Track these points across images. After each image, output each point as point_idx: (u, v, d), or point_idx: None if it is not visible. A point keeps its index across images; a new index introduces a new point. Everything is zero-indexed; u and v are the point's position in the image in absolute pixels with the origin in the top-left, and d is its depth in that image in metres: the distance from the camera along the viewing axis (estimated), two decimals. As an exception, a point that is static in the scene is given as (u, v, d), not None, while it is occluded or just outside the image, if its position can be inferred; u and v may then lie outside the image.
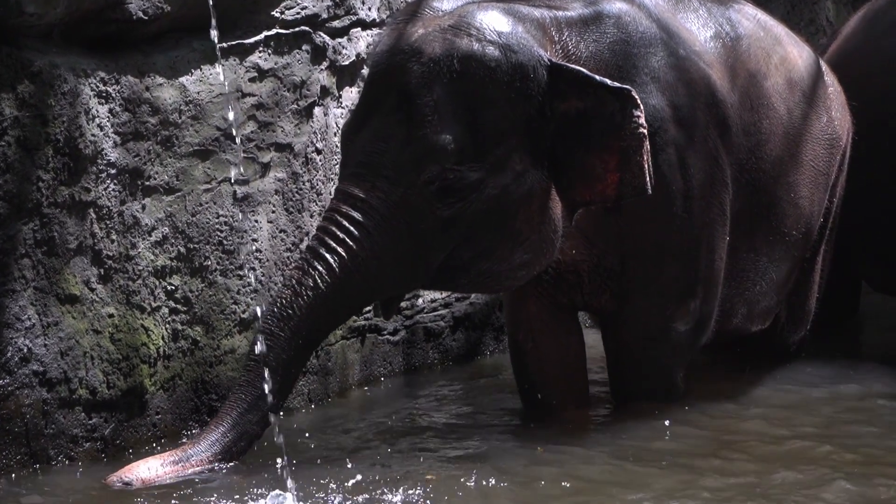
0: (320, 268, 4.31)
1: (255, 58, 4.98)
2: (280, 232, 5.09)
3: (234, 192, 4.88)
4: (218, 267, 4.87)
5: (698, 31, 5.00)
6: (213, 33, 4.57)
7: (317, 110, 5.20)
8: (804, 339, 5.72)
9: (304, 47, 5.14)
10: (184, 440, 4.63)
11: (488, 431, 4.84)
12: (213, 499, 4.04)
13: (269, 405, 4.25)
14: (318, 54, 5.20)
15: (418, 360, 5.72)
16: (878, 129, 5.77)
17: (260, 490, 4.09)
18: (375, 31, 5.40)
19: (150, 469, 4.18)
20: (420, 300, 5.71)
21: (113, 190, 4.56)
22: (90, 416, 4.48)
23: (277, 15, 5.05)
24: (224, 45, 4.78)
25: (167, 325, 4.73)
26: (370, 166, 4.38)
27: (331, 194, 4.97)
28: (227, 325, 4.90)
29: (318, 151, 5.21)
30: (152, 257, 4.69)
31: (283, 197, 5.09)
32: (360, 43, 5.38)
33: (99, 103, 4.51)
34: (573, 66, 4.51)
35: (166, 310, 4.73)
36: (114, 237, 4.57)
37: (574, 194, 4.54)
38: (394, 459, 4.47)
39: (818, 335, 5.80)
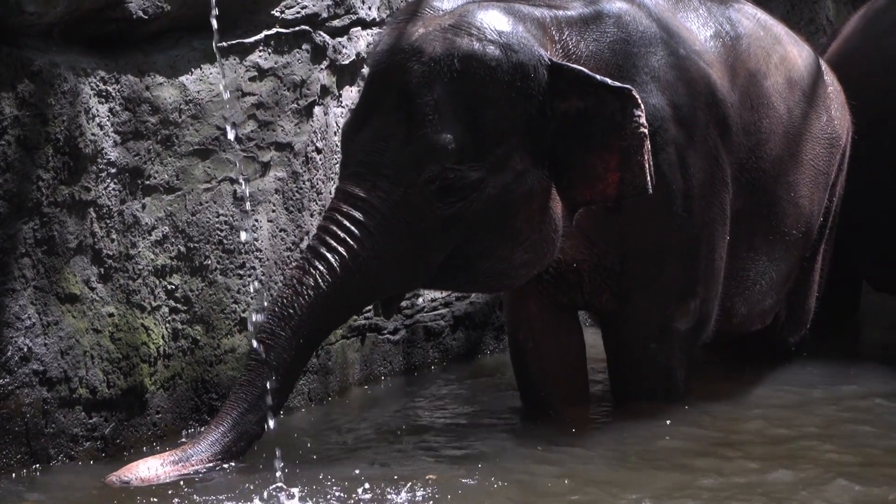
0: (321, 267, 4.31)
1: (255, 57, 4.98)
2: (280, 231, 5.09)
3: (234, 191, 4.88)
4: (218, 266, 4.87)
5: (698, 30, 5.00)
6: (213, 22, 4.55)
7: (317, 109, 5.20)
8: (804, 338, 5.72)
9: (304, 46, 5.14)
10: (184, 440, 4.63)
11: (489, 431, 4.84)
12: (212, 498, 4.04)
13: (270, 405, 4.25)
14: (318, 53, 5.20)
15: (418, 360, 5.72)
16: (879, 128, 5.77)
17: (259, 489, 4.09)
18: (375, 30, 5.39)
19: (150, 469, 4.17)
20: (420, 299, 5.71)
21: (113, 189, 4.56)
22: (90, 416, 4.48)
23: (277, 14, 5.05)
24: (224, 44, 4.78)
25: (167, 325, 4.73)
26: (371, 166, 4.38)
27: (331, 194, 4.97)
28: (227, 324, 4.90)
29: (319, 151, 5.21)
30: (152, 256, 4.69)
31: (284, 196, 5.09)
32: (361, 42, 5.37)
33: (99, 102, 4.51)
34: (574, 65, 4.51)
35: (166, 309, 4.73)
36: (114, 236, 4.57)
37: (575, 194, 4.54)
38: (394, 459, 4.47)
39: (818, 335, 5.80)
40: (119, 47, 4.62)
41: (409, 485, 4.12)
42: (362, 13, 5.39)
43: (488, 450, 4.55)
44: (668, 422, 4.78)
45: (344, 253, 4.32)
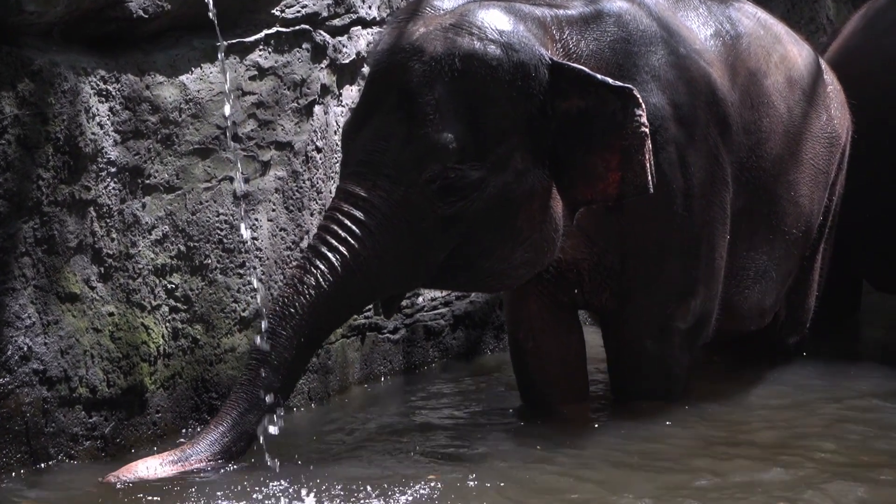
0: (322, 266, 4.31)
1: (256, 56, 4.98)
2: (280, 230, 5.09)
3: (234, 190, 4.88)
4: (218, 265, 4.87)
5: (698, 29, 5.00)
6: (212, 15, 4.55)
7: (317, 109, 5.20)
8: (804, 337, 5.72)
9: (304, 46, 5.14)
10: (183, 439, 4.63)
11: (489, 430, 4.84)
12: (212, 497, 4.04)
13: (271, 405, 4.25)
14: (319, 53, 5.20)
15: (418, 359, 5.72)
16: (879, 127, 5.78)
17: (258, 488, 4.08)
18: (376, 29, 5.39)
19: (149, 468, 4.17)
20: (420, 299, 5.71)
21: (113, 188, 4.56)
22: (90, 415, 4.48)
23: (278, 13, 5.04)
24: (224, 43, 4.77)
25: (167, 324, 4.73)
26: (371, 165, 4.37)
27: (331, 193, 4.97)
28: (227, 323, 4.90)
29: (319, 150, 5.21)
30: (152, 256, 4.68)
31: (284, 195, 5.09)
32: (361, 41, 5.37)
33: (99, 102, 4.51)
34: (574, 64, 4.51)
35: (166, 308, 4.73)
36: (114, 235, 4.57)
37: (575, 193, 4.54)
38: (395, 458, 4.47)
39: (818, 334, 5.80)
40: (119, 46, 4.62)
41: (409, 484, 4.12)
42: (362, 12, 5.39)
43: (488, 450, 4.55)
44: (668, 421, 4.78)
45: (345, 252, 4.32)
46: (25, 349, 4.29)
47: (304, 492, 4.07)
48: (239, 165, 4.86)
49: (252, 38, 4.97)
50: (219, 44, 4.62)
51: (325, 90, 5.23)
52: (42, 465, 4.35)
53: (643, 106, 4.46)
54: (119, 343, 4.57)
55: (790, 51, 5.32)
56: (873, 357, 5.92)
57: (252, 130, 4.97)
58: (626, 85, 4.47)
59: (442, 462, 4.43)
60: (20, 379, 4.28)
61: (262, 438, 4.21)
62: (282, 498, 4.04)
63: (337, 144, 5.14)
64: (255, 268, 4.94)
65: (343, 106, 5.31)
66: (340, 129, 4.82)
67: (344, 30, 5.33)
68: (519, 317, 4.99)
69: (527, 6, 4.61)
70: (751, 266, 5.17)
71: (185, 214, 4.77)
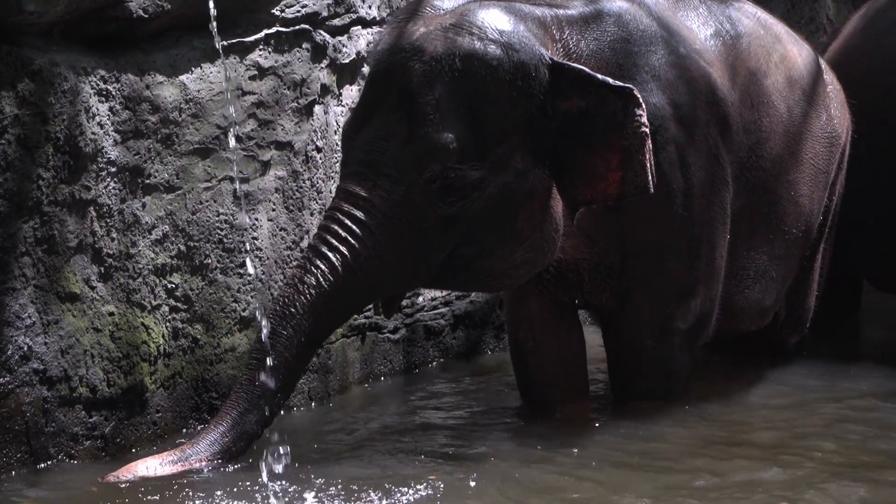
0: (322, 266, 4.31)
1: (256, 56, 4.98)
2: (280, 230, 5.09)
3: (234, 190, 4.88)
4: (218, 265, 4.87)
5: (698, 29, 5.00)
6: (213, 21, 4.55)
7: (317, 108, 5.20)
8: (804, 337, 5.72)
9: (304, 45, 5.14)
10: (183, 439, 4.63)
11: (489, 430, 4.84)
12: (211, 497, 4.03)
13: (271, 404, 4.25)
14: (319, 52, 5.20)
15: (419, 359, 5.72)
16: (879, 127, 5.78)
17: (258, 488, 4.08)
18: (375, 29, 5.39)
19: (149, 468, 4.17)
20: (420, 298, 5.71)
21: (113, 188, 4.56)
22: (90, 415, 4.48)
23: (278, 13, 5.04)
24: (224, 42, 4.77)
25: (167, 324, 4.73)
26: (372, 165, 4.37)
27: (331, 192, 4.97)
28: (227, 323, 4.90)
29: (319, 150, 5.21)
30: (152, 255, 4.68)
31: (284, 195, 5.09)
32: (361, 41, 5.37)
33: (99, 101, 4.51)
34: (575, 64, 4.51)
35: (166, 308, 4.73)
36: (114, 235, 4.57)
37: (576, 193, 4.54)
38: (395, 458, 4.47)
39: (818, 334, 5.80)
40: (119, 46, 4.62)
41: (410, 484, 4.12)
42: (362, 12, 5.38)
43: (488, 449, 4.55)
44: (668, 421, 4.78)
45: (345, 252, 4.32)
46: (25, 349, 4.29)
47: (304, 492, 4.07)
48: (236, 167, 4.86)
49: (252, 38, 4.97)
50: (222, 43, 4.62)
51: (325, 90, 5.23)
52: (42, 464, 4.35)
53: (643, 106, 4.46)
54: (119, 343, 4.57)
55: (790, 50, 5.32)
56: (873, 357, 5.91)
57: (252, 130, 4.97)
58: (627, 85, 4.47)
59: (442, 462, 4.43)
60: (20, 378, 4.28)
61: (264, 474, 4.17)
62: (282, 498, 4.04)
63: (337, 144, 5.13)
64: (254, 267, 4.94)
65: (343, 106, 5.31)
66: (340, 129, 4.82)
67: (344, 29, 5.33)
68: (519, 316, 4.99)
69: (527, 6, 4.60)
70: (751, 266, 5.17)
71: (186, 214, 4.77)
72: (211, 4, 4.49)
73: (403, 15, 4.59)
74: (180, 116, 4.74)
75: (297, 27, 5.11)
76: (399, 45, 4.44)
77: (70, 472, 4.35)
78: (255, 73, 4.97)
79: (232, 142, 4.78)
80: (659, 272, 4.84)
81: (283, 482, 4.11)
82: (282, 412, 4.43)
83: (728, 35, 5.06)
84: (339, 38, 5.30)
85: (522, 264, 4.54)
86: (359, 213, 4.34)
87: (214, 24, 4.49)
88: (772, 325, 5.51)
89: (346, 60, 5.32)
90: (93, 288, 4.50)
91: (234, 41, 4.89)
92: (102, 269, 4.53)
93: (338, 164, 5.00)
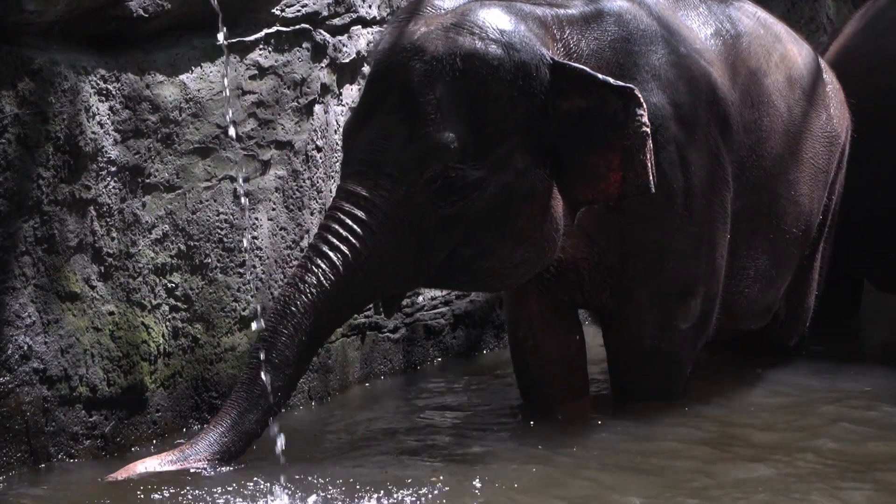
0: (323, 265, 4.30)
1: (256, 55, 4.98)
2: (280, 230, 5.08)
3: (235, 189, 4.88)
4: (218, 264, 4.87)
5: (699, 28, 5.00)
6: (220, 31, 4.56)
7: (317, 108, 5.20)
8: (803, 336, 5.72)
9: (304, 45, 5.14)
10: (183, 438, 4.63)
11: (488, 429, 4.84)
12: (211, 497, 4.03)
13: (271, 404, 4.25)
14: (319, 52, 5.20)
15: (418, 358, 5.72)
16: (879, 127, 5.78)
17: (258, 488, 4.08)
18: (376, 28, 5.39)
19: (149, 469, 4.17)
20: (420, 298, 5.71)
21: (113, 187, 4.56)
22: (90, 414, 4.48)
23: (278, 13, 5.04)
24: (225, 42, 4.77)
25: (167, 323, 4.73)
26: (373, 164, 4.37)
27: (331, 192, 4.97)
28: (227, 322, 4.90)
29: (319, 149, 5.21)
30: (153, 255, 4.68)
31: (284, 195, 5.09)
32: (361, 41, 5.37)
33: (99, 101, 4.51)
34: (576, 64, 4.51)
35: (167, 307, 4.73)
36: (114, 235, 4.57)
37: (576, 193, 4.54)
38: (395, 458, 4.47)
39: (818, 334, 5.80)
40: (119, 46, 4.62)
41: (410, 483, 4.12)
42: (362, 11, 5.38)
43: (488, 449, 4.55)
44: (667, 421, 4.78)
45: (346, 251, 4.31)
46: (26, 348, 4.29)
47: (304, 492, 4.07)
48: (238, 166, 4.86)
49: (252, 38, 4.97)
50: (225, 42, 4.62)
51: (325, 89, 5.23)
52: (42, 464, 4.35)
53: (644, 106, 4.46)
54: (119, 342, 4.57)
55: (790, 50, 5.32)
56: (873, 357, 5.92)
57: (252, 129, 4.97)
58: (628, 85, 4.47)
59: (442, 461, 4.42)
60: (20, 378, 4.28)
61: (265, 474, 4.17)
62: (282, 498, 4.04)
63: (337, 144, 5.13)
64: (254, 267, 4.94)
65: (343, 105, 5.31)
66: (341, 129, 4.82)
67: (344, 29, 5.32)
68: (519, 316, 4.99)
69: (528, 6, 4.60)
70: (751, 265, 5.17)
71: (186, 213, 4.77)
72: (215, 3, 4.49)
73: (404, 14, 4.59)
74: (180, 116, 4.74)
75: (298, 27, 5.11)
76: (400, 45, 4.44)
77: (70, 471, 4.35)
78: (256, 72, 4.97)
79: (232, 131, 4.78)
80: (659, 272, 4.84)
81: (284, 482, 4.11)
82: (282, 411, 4.43)
83: (728, 34, 5.06)
84: (340, 37, 5.30)
85: (522, 264, 4.54)
86: (360, 213, 4.34)
87: (222, 27, 4.50)
88: (772, 324, 5.51)
89: (347, 60, 5.32)
90: (93, 287, 4.50)
91: (234, 41, 4.89)
92: (102, 268, 4.53)
93: (338, 164, 5.00)
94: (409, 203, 4.36)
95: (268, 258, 5.03)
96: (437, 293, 5.75)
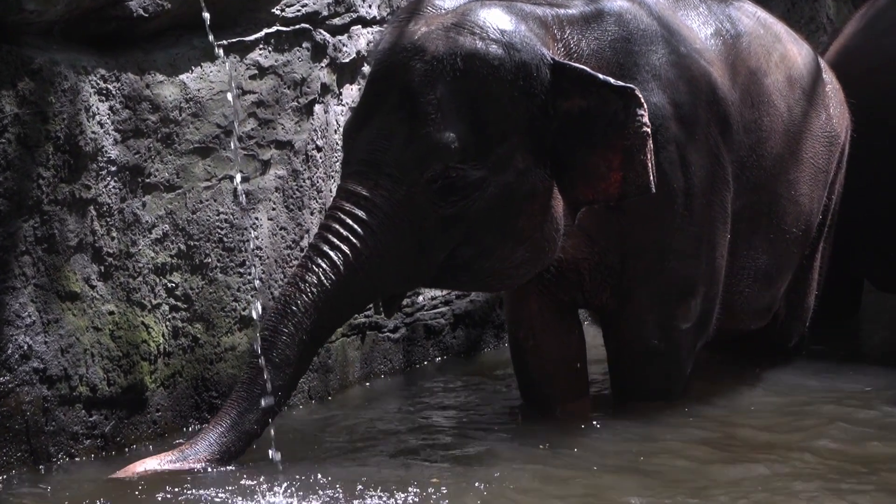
0: (324, 265, 4.30)
1: (256, 55, 4.98)
2: (280, 229, 5.08)
3: (235, 189, 4.88)
4: (218, 264, 4.87)
5: (699, 28, 5.00)
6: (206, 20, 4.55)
7: (317, 108, 5.20)
8: (803, 336, 5.72)
9: (304, 45, 5.14)
10: (183, 438, 4.63)
11: (488, 429, 4.84)
12: (211, 497, 4.03)
13: (272, 403, 4.25)
14: (319, 52, 5.20)
15: (419, 358, 5.72)
16: (879, 127, 5.78)
17: (258, 487, 4.08)
18: (376, 28, 5.39)
19: (148, 469, 4.16)
20: (420, 297, 5.71)
21: (113, 187, 4.56)
22: (90, 414, 4.48)
23: (278, 12, 5.04)
24: (224, 42, 4.77)
25: (167, 323, 4.73)
26: (373, 164, 4.37)
27: (331, 192, 4.97)
28: (227, 322, 4.90)
29: (319, 149, 5.21)
30: (153, 254, 4.68)
31: (284, 194, 5.09)
32: (361, 40, 5.37)
33: (99, 100, 4.51)
34: (576, 64, 4.51)
35: (167, 307, 4.73)
36: (114, 234, 4.57)
37: (577, 193, 4.54)
38: (395, 458, 4.46)
39: (818, 334, 5.80)
40: (119, 45, 4.62)
41: (410, 483, 4.12)
42: (362, 11, 5.38)
43: (488, 449, 4.55)
44: (667, 421, 4.78)
45: (347, 251, 4.31)
46: (26, 348, 4.29)
47: (304, 491, 4.07)
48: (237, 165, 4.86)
49: (252, 37, 4.97)
50: (221, 43, 4.62)
51: (325, 89, 5.23)
52: (42, 464, 4.35)
53: (645, 106, 4.46)
54: (119, 342, 4.57)
55: (790, 50, 5.32)
56: (873, 357, 5.92)
57: (252, 129, 4.97)
58: (628, 85, 4.47)
59: (443, 461, 4.42)
60: (20, 377, 4.28)
61: (264, 474, 4.17)
62: (282, 498, 4.04)
63: (337, 143, 5.13)
64: (254, 267, 4.94)
65: (343, 105, 5.31)
66: (341, 128, 4.82)
67: (344, 29, 5.32)
68: (519, 316, 4.99)
69: (528, 5, 4.60)
70: (751, 265, 5.17)
71: (186, 213, 4.77)
72: (205, 11, 4.49)
73: (404, 14, 4.59)
74: (180, 115, 4.74)
75: (298, 26, 5.11)
76: (400, 45, 4.44)
77: (70, 471, 4.35)
78: (256, 72, 4.97)
79: (234, 142, 4.79)
80: (659, 272, 4.84)
81: (284, 482, 4.11)
82: (282, 410, 4.42)
83: (728, 34, 5.06)
84: (340, 37, 5.30)
85: (523, 264, 4.54)
86: (360, 213, 4.34)
87: (210, 32, 4.50)
88: (772, 324, 5.51)
89: (347, 60, 5.32)
90: (93, 287, 4.50)
91: (234, 40, 4.89)
92: (102, 268, 4.53)
93: (338, 164, 5.00)
94: (409, 203, 4.36)
95: (268, 258, 5.03)
96: (437, 293, 5.75)
